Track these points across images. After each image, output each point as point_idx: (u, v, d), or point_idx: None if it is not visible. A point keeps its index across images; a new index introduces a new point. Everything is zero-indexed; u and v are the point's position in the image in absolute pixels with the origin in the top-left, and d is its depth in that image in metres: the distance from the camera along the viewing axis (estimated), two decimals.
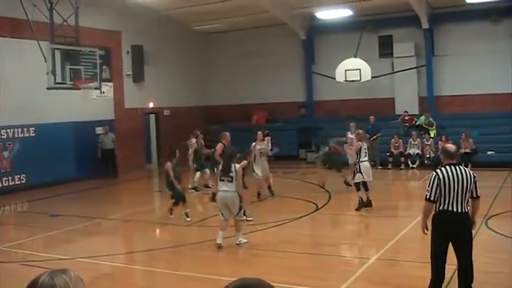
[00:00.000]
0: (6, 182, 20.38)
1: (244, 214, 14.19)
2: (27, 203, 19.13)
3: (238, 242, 11.64)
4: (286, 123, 28.78)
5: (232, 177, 11.51)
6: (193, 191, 18.93)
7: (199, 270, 10.28)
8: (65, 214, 16.24)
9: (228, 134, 16.88)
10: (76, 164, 22.73)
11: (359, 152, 15.00)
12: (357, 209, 14.87)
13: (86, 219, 15.32)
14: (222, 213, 11.67)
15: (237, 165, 11.76)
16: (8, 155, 20.47)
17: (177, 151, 14.90)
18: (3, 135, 20.31)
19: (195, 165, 19.34)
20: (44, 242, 13.26)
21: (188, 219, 14.27)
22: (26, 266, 10.77)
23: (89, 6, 20.27)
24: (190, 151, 19.73)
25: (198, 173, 19.20)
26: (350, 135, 20.99)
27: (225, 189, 11.54)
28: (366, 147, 15.28)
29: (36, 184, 20.72)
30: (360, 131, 16.07)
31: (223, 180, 11.57)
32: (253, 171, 16.65)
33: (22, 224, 16.06)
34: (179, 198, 14.43)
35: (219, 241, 11.42)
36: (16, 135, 20.71)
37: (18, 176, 20.72)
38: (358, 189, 15.01)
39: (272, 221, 13.90)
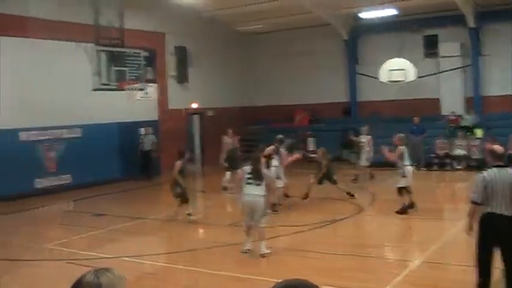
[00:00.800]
0: (53, 181, 20.75)
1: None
2: (72, 202, 19.43)
3: (261, 253, 11.04)
4: (329, 124, 28.63)
5: (261, 180, 11.09)
6: (223, 191, 19.01)
7: (240, 270, 10.29)
8: (109, 214, 16.47)
9: (281, 137, 16.73)
10: (120, 164, 23.02)
11: (402, 157, 14.56)
12: (399, 212, 14.49)
13: (129, 219, 15.49)
14: (246, 218, 11.31)
15: (266, 170, 11.53)
16: (55, 155, 20.84)
17: (186, 152, 15.20)
18: (50, 135, 20.68)
19: (227, 165, 19.29)
20: (88, 240, 13.43)
21: (193, 217, 14.62)
22: (70, 264, 10.93)
23: (134, 9, 20.52)
24: (224, 150, 19.81)
25: (228, 173, 19.02)
26: (361, 138, 20.93)
27: (254, 193, 11.01)
28: (407, 150, 14.84)
29: (81, 184, 21.04)
30: (402, 134, 15.41)
31: (251, 184, 11.06)
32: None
33: (67, 223, 16.29)
34: (182, 197, 14.59)
35: (246, 247, 11.21)
36: (62, 136, 21.08)
37: (64, 176, 21.07)
38: (402, 194, 14.60)
39: (315, 222, 13.83)
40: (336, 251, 11.37)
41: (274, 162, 15.45)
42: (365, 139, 20.84)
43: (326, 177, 17.12)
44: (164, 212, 15.92)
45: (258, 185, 11.04)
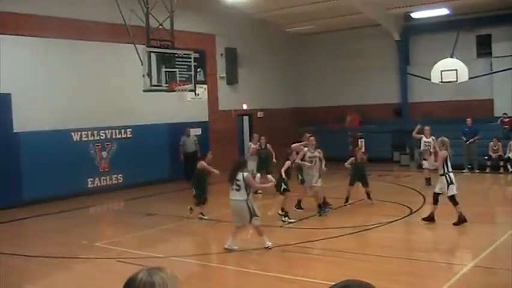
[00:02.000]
0: (104, 181, 21.08)
1: (287, 216, 14.46)
2: (123, 202, 19.71)
3: (266, 246, 11.63)
4: (380, 125, 28.35)
5: (239, 186, 11.44)
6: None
7: (290, 272, 10.25)
8: (159, 213, 16.64)
9: (308, 135, 16.46)
10: (170, 165, 23.18)
11: (446, 162, 13.45)
12: (456, 224, 13.48)
13: (179, 219, 15.60)
14: (234, 220, 11.94)
15: (245, 174, 11.61)
16: (107, 155, 21.17)
17: (209, 154, 15.87)
18: (102, 135, 21.02)
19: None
20: (138, 240, 13.58)
21: (206, 217, 15.18)
22: (121, 262, 11.08)
23: (184, 10, 20.64)
24: (247, 155, 19.53)
25: (258, 175, 18.30)
26: (425, 138, 19.83)
27: (233, 198, 11.57)
28: (450, 155, 13.72)
29: (132, 183, 21.32)
30: (445, 138, 14.05)
31: (232, 189, 11.55)
32: (302, 179, 15.42)
33: (119, 222, 16.55)
34: (200, 199, 15.30)
35: (226, 245, 11.63)
36: (114, 136, 21.39)
37: (116, 176, 21.37)
38: (456, 203, 13.54)
39: (365, 224, 13.73)
40: (386, 254, 11.21)
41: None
42: (430, 140, 19.35)
43: (357, 177, 16.78)
44: (214, 212, 15.96)
45: (237, 190, 11.47)
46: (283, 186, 14.63)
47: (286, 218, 14.52)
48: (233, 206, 11.67)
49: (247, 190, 11.49)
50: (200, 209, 15.28)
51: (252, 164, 18.28)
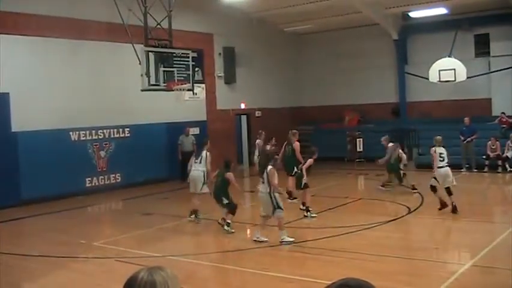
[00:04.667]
0: (103, 180, 21.05)
1: (308, 211, 14.88)
2: (121, 201, 19.69)
3: (281, 240, 12.08)
4: (379, 124, 28.34)
5: (264, 178, 12.15)
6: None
7: (289, 271, 10.25)
8: (158, 213, 16.64)
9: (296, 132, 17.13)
10: (168, 164, 23.16)
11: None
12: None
13: (177, 218, 15.60)
14: (262, 209, 12.54)
15: (269, 168, 12.14)
16: (105, 155, 21.14)
17: (232, 163, 14.86)
18: (100, 135, 20.99)
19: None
20: (136, 239, 13.57)
21: (232, 230, 13.61)
22: (120, 261, 11.07)
23: (182, 10, 20.66)
24: (256, 152, 19.44)
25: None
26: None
27: (259, 189, 12.35)
28: None
29: (130, 183, 21.30)
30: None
31: (260, 181, 12.33)
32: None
33: (117, 222, 16.53)
34: (233, 208, 13.76)
35: (257, 237, 12.24)
36: (112, 136, 21.37)
37: (114, 175, 21.35)
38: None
39: (363, 224, 13.71)
40: (385, 253, 11.20)
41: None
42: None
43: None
44: (212, 211, 15.95)
45: (262, 182, 12.23)
46: (304, 181, 15.11)
47: (309, 212, 14.89)
48: (259, 197, 12.40)
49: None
50: (231, 217, 13.72)
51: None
